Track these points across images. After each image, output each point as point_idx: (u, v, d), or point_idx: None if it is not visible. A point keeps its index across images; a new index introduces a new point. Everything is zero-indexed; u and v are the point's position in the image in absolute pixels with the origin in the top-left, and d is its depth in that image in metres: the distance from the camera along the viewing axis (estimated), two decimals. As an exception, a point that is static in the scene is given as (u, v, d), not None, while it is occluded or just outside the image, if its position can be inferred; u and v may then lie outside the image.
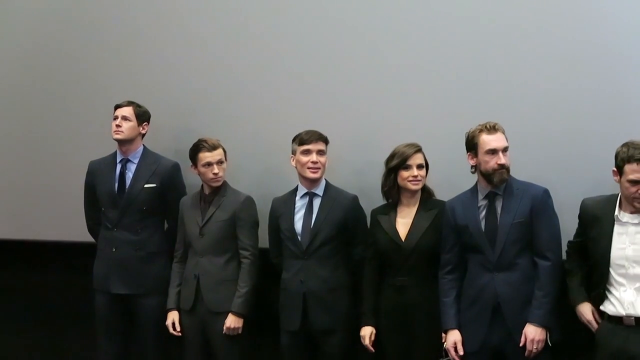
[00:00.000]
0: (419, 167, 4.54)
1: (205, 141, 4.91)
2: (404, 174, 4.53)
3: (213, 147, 4.90)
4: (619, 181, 4.10)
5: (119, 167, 5.12)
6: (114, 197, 5.09)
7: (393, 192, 4.59)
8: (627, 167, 4.04)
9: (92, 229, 5.25)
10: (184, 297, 4.93)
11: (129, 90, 5.31)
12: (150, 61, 5.44)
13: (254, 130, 5.21)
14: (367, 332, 4.60)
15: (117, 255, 5.07)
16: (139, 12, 5.48)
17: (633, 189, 4.05)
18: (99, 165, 5.20)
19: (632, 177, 4.03)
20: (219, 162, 4.89)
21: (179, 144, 5.21)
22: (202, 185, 4.99)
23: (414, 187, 4.55)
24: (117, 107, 5.10)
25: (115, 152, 5.16)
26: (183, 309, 4.94)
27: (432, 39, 4.89)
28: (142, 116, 5.11)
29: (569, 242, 4.38)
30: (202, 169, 4.90)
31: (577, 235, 4.34)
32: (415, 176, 4.53)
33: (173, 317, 4.95)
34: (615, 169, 4.11)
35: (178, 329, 4.94)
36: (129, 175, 5.10)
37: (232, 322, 4.81)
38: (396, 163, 4.54)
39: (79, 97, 5.59)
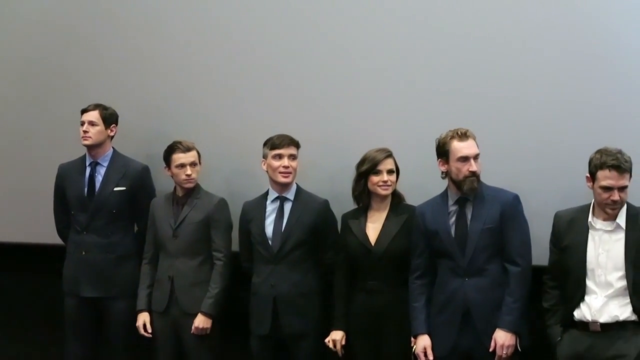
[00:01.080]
0: (389, 172, 4.54)
1: (180, 143, 4.91)
2: (374, 178, 4.53)
3: (187, 149, 4.89)
4: (592, 187, 4.13)
5: (88, 170, 5.09)
6: (84, 200, 5.06)
7: (363, 196, 4.59)
8: (600, 174, 4.07)
9: (62, 232, 5.22)
10: (157, 298, 4.91)
11: (102, 92, 5.27)
12: (123, 63, 5.41)
13: (225, 133, 5.18)
14: (337, 337, 4.60)
15: (87, 259, 5.04)
16: (111, 14, 5.44)
17: (605, 195, 4.07)
18: (68, 168, 5.17)
19: (604, 183, 4.06)
20: (193, 164, 4.88)
21: (151, 147, 5.19)
22: (175, 187, 4.98)
23: (383, 192, 4.55)
24: (83, 111, 5.05)
25: (85, 155, 5.12)
26: (155, 311, 4.92)
27: (405, 46, 4.88)
28: (109, 118, 5.07)
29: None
30: (175, 170, 4.89)
31: (551, 256, 4.30)
32: (385, 181, 4.52)
33: (144, 318, 4.93)
34: (588, 175, 4.13)
35: (149, 330, 4.92)
36: (99, 178, 5.07)
37: (201, 322, 4.81)
38: (366, 168, 4.53)
39: (51, 99, 5.54)
